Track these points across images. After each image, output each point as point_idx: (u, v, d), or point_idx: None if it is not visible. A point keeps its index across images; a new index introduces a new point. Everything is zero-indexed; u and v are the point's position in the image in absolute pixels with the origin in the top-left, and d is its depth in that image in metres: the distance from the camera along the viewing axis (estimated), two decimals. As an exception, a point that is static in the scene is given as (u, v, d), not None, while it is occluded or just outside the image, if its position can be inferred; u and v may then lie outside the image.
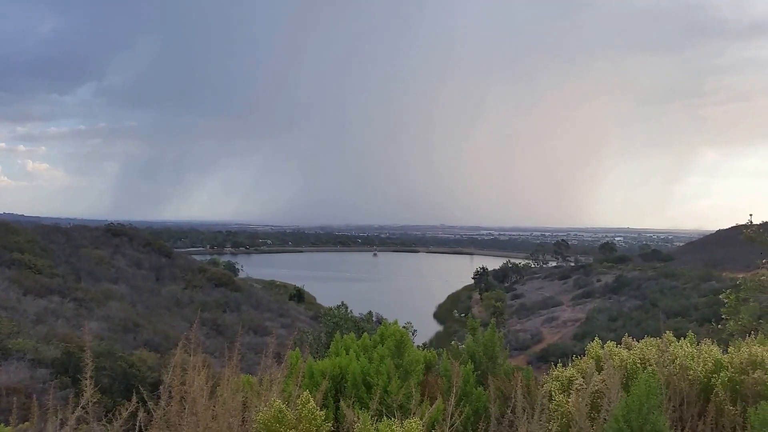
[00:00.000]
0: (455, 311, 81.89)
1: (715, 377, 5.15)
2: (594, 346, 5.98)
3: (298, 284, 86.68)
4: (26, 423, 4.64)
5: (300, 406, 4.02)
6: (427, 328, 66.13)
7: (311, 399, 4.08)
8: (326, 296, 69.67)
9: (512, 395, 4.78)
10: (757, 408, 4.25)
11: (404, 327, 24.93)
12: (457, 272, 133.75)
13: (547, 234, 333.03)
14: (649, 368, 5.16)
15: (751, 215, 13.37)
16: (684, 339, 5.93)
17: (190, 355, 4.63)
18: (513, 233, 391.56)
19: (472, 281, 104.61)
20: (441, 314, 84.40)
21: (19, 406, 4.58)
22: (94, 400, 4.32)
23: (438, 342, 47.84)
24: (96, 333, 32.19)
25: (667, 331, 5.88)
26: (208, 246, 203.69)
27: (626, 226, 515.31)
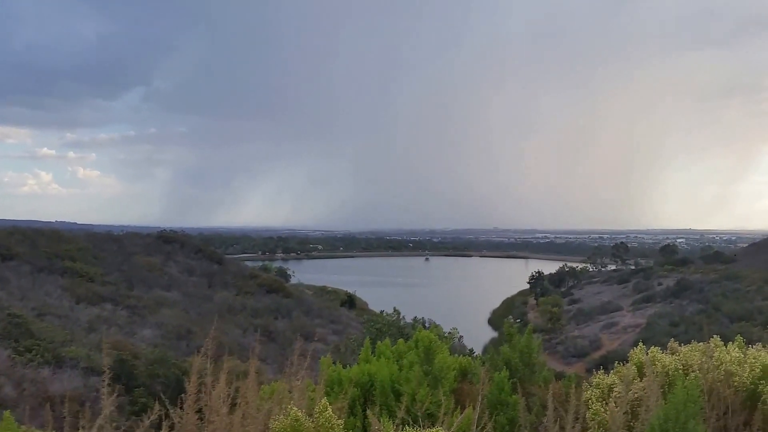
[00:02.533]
0: (509, 317, 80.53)
1: (762, 384, 4.90)
2: (637, 352, 5.69)
3: (350, 290, 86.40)
4: (79, 431, 4.59)
5: (317, 415, 3.90)
6: (481, 335, 65.17)
7: (329, 407, 3.95)
8: (378, 302, 69.17)
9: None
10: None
11: (449, 332, 24.24)
12: (512, 277, 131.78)
13: (605, 236, 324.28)
14: (691, 374, 4.96)
15: None
16: (731, 344, 5.67)
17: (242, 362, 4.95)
18: (569, 236, 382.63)
19: (528, 286, 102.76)
20: (495, 320, 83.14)
21: (72, 414, 4.54)
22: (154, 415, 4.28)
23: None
24: (149, 340, 32.38)
25: (714, 336, 5.61)
26: (259, 252, 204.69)
27: (688, 227, 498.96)
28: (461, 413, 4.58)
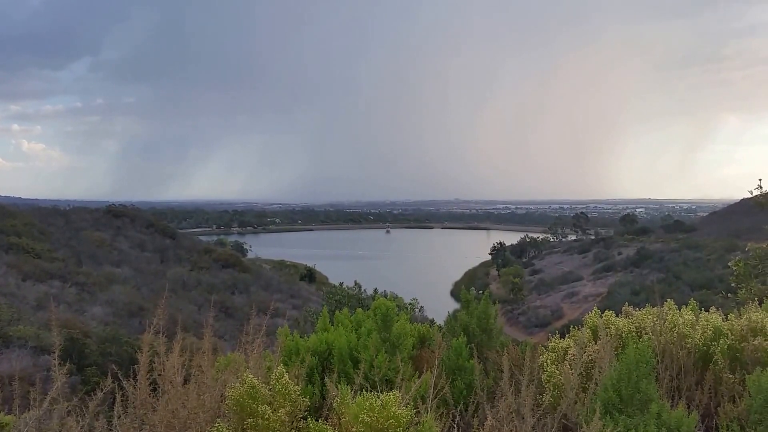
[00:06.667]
0: (472, 288, 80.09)
1: (714, 345, 5.10)
2: (591, 316, 5.85)
3: (309, 264, 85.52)
4: (30, 412, 4.55)
5: (274, 381, 3.96)
6: (444, 307, 64.99)
7: (285, 374, 4.01)
8: (338, 275, 68.58)
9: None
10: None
11: (410, 303, 23.88)
12: (473, 248, 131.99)
13: (565, 207, 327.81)
14: (645, 336, 5.11)
15: (760, 180, 12.96)
16: (686, 307, 5.84)
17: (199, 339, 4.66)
18: (530, 207, 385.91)
19: (489, 257, 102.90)
20: (458, 292, 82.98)
21: (22, 394, 4.46)
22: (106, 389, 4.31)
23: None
24: (100, 318, 31.59)
25: (668, 300, 5.80)
26: (214, 226, 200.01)
27: (648, 197, 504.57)
28: (419, 379, 4.61)
